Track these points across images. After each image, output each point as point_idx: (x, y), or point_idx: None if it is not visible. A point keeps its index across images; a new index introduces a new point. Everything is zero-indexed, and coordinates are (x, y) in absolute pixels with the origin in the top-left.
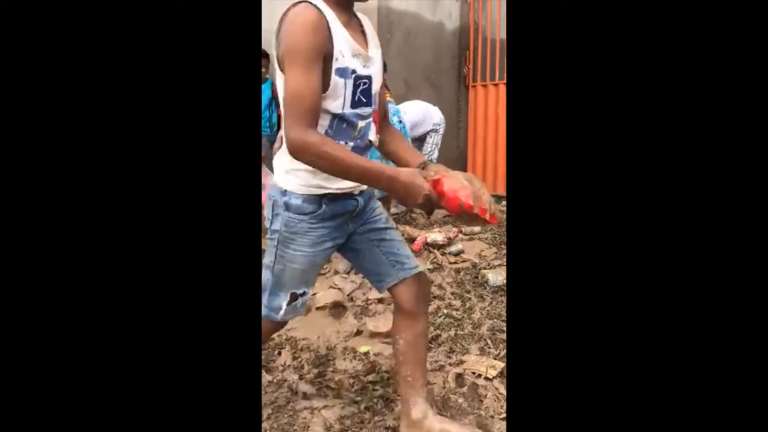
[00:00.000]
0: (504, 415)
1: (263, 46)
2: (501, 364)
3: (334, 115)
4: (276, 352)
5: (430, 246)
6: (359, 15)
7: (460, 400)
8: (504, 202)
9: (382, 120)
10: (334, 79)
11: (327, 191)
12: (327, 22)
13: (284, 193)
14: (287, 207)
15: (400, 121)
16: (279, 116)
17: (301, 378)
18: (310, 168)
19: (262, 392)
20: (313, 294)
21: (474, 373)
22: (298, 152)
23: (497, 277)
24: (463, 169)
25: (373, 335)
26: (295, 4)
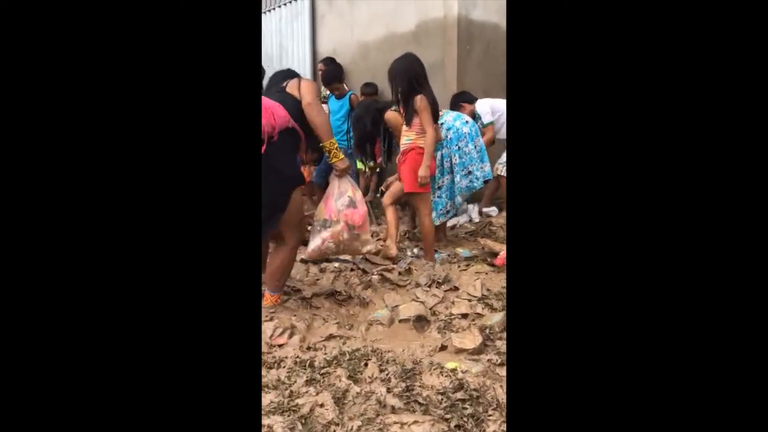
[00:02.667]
0: None
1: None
2: None
3: None
4: (363, 363)
5: None
6: None
7: None
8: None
9: None
10: None
11: None
12: None
13: None
14: None
15: (467, 122)
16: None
17: (389, 391)
18: None
19: (351, 403)
20: (395, 306)
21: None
22: None
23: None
24: None
25: (459, 351)
26: None
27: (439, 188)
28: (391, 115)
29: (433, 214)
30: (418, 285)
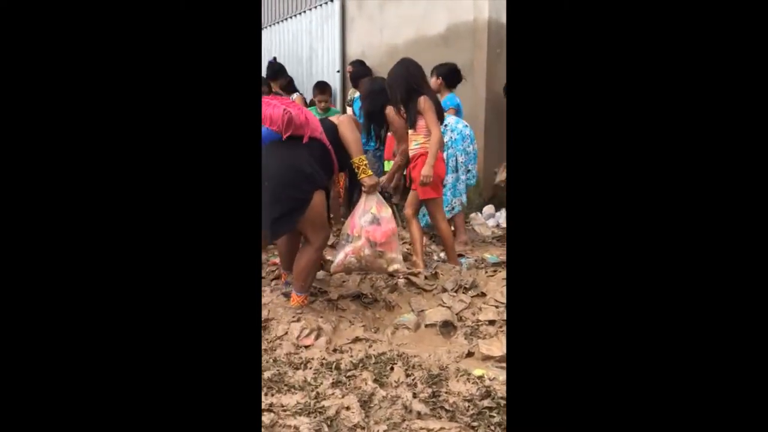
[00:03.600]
0: None
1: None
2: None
3: None
4: (389, 367)
5: None
6: None
7: None
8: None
9: None
10: None
11: None
12: None
13: None
14: None
15: (467, 125)
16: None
17: (415, 396)
18: None
19: (377, 407)
20: (422, 311)
21: None
22: None
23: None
24: None
25: (486, 358)
26: None
27: (443, 186)
28: (391, 111)
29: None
30: (444, 290)
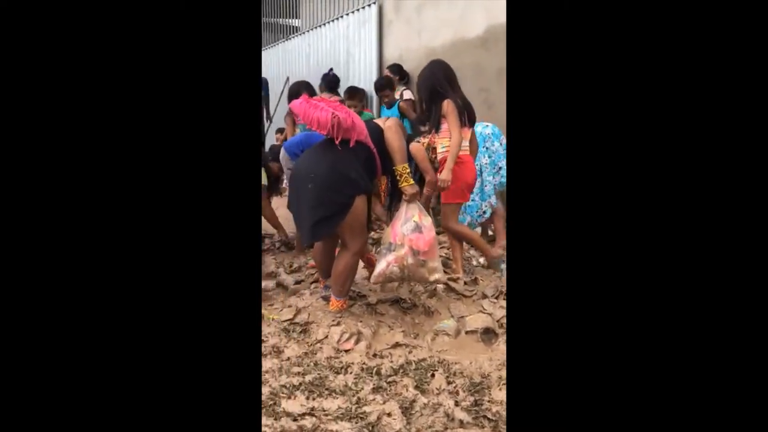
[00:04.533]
0: None
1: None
2: None
3: None
4: (429, 374)
5: None
6: None
7: None
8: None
9: None
10: None
11: None
12: None
13: None
14: None
15: (486, 125)
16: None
17: (456, 404)
18: None
19: (418, 414)
20: (462, 317)
21: None
22: None
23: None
24: None
25: None
26: None
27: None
28: (415, 147)
29: (468, 218)
30: (484, 296)
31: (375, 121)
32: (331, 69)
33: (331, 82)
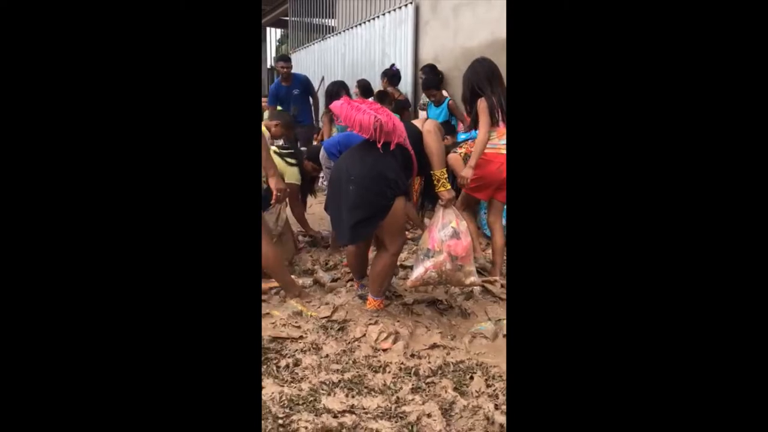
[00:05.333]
0: None
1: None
2: None
3: None
4: (468, 376)
5: None
6: None
7: None
8: None
9: None
10: None
11: None
12: None
13: None
14: None
15: None
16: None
17: (497, 408)
18: None
19: (458, 416)
20: (499, 320)
21: None
22: None
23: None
24: None
25: None
26: None
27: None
28: (453, 157)
29: (504, 221)
30: None
31: (413, 122)
32: (393, 64)
33: (394, 77)
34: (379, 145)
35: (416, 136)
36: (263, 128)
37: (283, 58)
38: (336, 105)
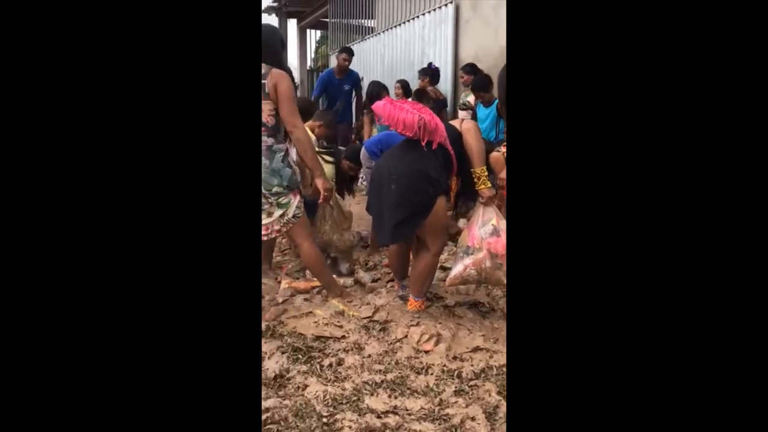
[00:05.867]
0: None
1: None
2: None
3: None
4: None
5: None
6: None
7: None
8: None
9: None
10: None
11: None
12: None
13: None
14: None
15: None
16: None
17: None
18: None
19: (501, 420)
20: None
21: None
22: None
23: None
24: None
25: None
26: None
27: None
28: (494, 157)
29: None
30: None
31: (451, 123)
32: (431, 63)
33: (434, 75)
34: (423, 144)
35: (454, 136)
36: (308, 130)
37: (347, 50)
38: (378, 105)
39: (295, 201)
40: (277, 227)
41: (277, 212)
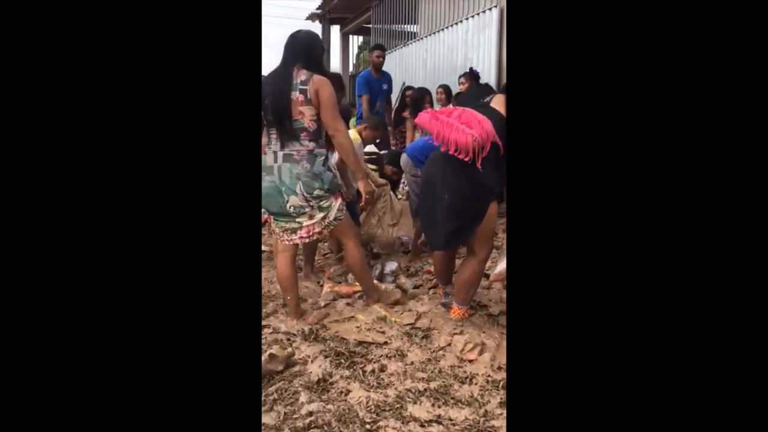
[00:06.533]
0: None
1: None
2: None
3: None
4: None
5: None
6: None
7: None
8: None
9: None
10: None
11: None
12: None
13: None
14: None
15: None
16: None
17: None
18: None
19: None
20: None
21: None
22: None
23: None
24: None
25: None
26: None
27: None
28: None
29: None
30: None
31: (492, 106)
32: (472, 67)
33: (476, 79)
34: (478, 164)
35: (499, 122)
36: (355, 133)
37: (379, 47)
38: (424, 119)
39: (336, 204)
40: (317, 229)
41: (319, 215)
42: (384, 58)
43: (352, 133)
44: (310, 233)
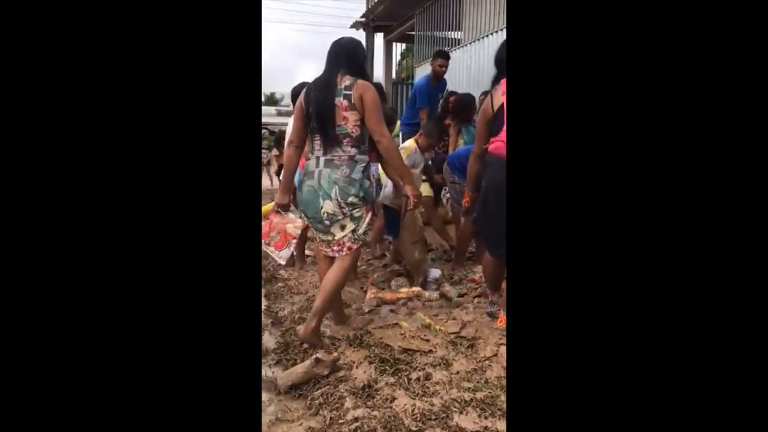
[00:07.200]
0: None
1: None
2: None
3: None
4: None
5: None
6: None
7: None
8: None
9: None
10: None
11: None
12: None
13: None
14: None
15: None
16: None
17: None
18: None
19: None
20: None
21: None
22: None
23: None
24: None
25: None
26: None
27: None
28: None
29: None
30: None
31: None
32: None
33: None
34: None
35: None
36: (411, 142)
37: (443, 55)
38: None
39: (367, 218)
40: (349, 244)
41: (350, 226)
42: (447, 67)
43: (409, 142)
44: (341, 247)
